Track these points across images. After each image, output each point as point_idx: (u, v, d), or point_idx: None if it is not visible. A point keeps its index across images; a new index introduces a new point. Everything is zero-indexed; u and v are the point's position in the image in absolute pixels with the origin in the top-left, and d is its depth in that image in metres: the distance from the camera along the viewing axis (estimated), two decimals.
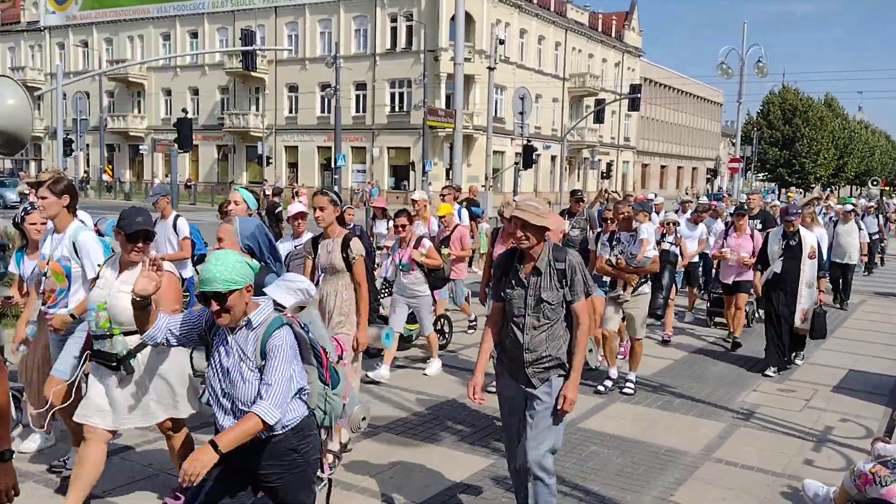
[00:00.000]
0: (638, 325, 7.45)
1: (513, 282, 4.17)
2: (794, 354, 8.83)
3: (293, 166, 51.35)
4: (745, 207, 10.81)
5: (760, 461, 5.74)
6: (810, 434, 6.44)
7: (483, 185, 30.90)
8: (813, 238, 8.60)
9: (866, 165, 76.83)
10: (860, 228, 13.21)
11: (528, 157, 28.78)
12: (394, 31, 46.86)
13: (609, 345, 7.62)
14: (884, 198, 40.06)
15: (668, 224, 10.08)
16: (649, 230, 7.36)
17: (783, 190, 68.18)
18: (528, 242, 4.02)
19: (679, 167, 79.46)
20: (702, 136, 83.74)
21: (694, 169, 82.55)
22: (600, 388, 7.47)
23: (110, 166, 55.58)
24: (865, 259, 14.11)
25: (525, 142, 28.42)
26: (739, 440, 6.24)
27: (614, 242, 7.40)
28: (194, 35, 53.81)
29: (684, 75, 76.10)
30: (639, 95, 34.19)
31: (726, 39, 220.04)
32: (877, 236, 18.58)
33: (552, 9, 54.48)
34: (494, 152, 38.03)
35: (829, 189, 63.23)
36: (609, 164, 57.24)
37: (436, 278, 8.01)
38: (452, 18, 37.37)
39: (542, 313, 4.08)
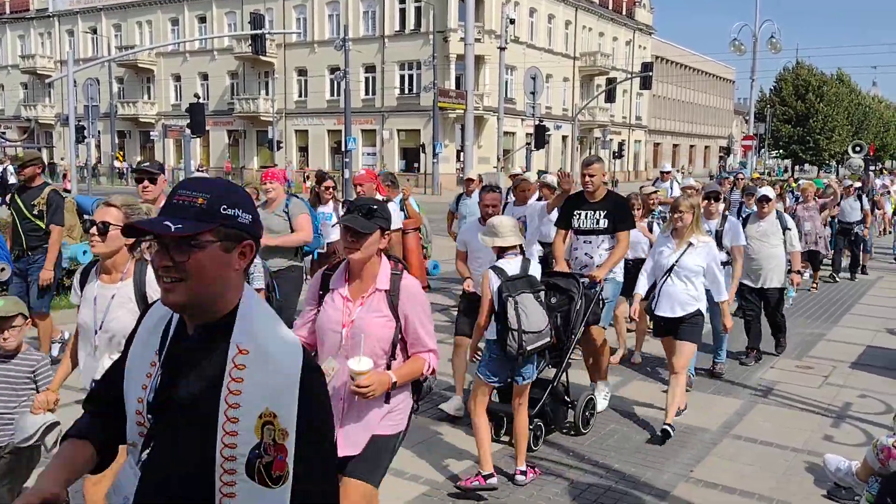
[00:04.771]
0: None
1: None
2: None
3: (304, 150, 51.35)
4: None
5: (779, 437, 5.72)
6: (829, 410, 6.41)
7: (494, 167, 30.80)
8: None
9: (881, 141, 76.09)
10: (786, 228, 8.07)
11: (539, 138, 28.62)
12: (402, 12, 46.58)
13: None
14: (870, 172, 28.89)
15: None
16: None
17: (797, 167, 67.65)
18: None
19: (691, 146, 78.94)
20: (714, 113, 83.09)
21: (706, 147, 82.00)
22: None
23: (121, 153, 55.77)
24: (798, 278, 8.23)
25: (536, 122, 28.29)
26: (758, 416, 6.22)
27: None
28: (202, 20, 53.72)
29: (696, 52, 75.49)
30: (650, 74, 33.85)
31: (739, 15, 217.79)
32: (859, 228, 13.45)
33: None
34: (505, 133, 37.88)
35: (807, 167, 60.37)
36: (621, 144, 56.98)
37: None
38: None
39: None
